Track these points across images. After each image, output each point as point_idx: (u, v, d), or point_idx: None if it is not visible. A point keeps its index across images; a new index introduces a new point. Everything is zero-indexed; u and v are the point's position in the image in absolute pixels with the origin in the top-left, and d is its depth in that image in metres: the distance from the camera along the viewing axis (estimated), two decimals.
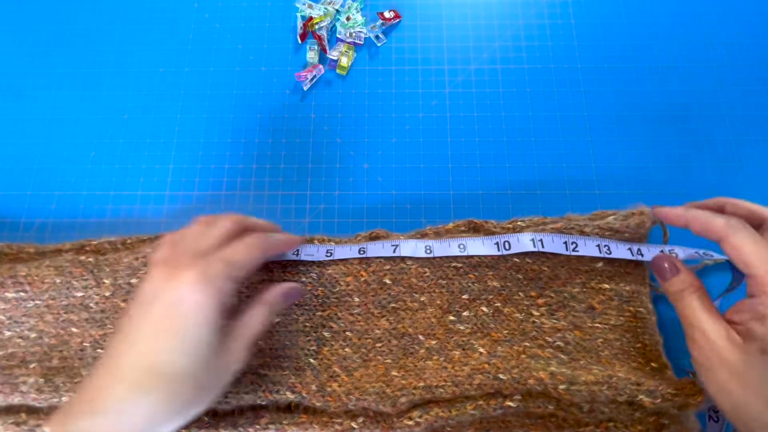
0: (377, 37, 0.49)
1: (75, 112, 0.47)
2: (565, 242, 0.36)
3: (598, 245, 0.36)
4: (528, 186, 0.43)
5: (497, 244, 0.37)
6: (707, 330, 0.27)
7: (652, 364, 0.34)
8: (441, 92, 0.47)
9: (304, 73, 0.47)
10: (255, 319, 0.28)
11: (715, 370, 0.27)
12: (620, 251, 0.36)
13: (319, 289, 0.37)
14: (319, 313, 0.37)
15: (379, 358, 0.35)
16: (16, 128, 0.47)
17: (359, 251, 0.37)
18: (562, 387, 0.32)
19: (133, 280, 0.37)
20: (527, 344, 0.35)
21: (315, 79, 0.47)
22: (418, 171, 0.44)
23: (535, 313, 0.36)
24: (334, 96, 0.47)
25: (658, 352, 0.35)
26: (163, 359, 0.23)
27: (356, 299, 0.37)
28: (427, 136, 0.45)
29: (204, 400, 0.26)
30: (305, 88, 0.47)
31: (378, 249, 0.37)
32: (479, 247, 0.37)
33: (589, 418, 0.33)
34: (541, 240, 0.36)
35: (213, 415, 0.34)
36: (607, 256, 0.36)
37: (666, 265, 0.31)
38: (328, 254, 0.37)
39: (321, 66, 0.47)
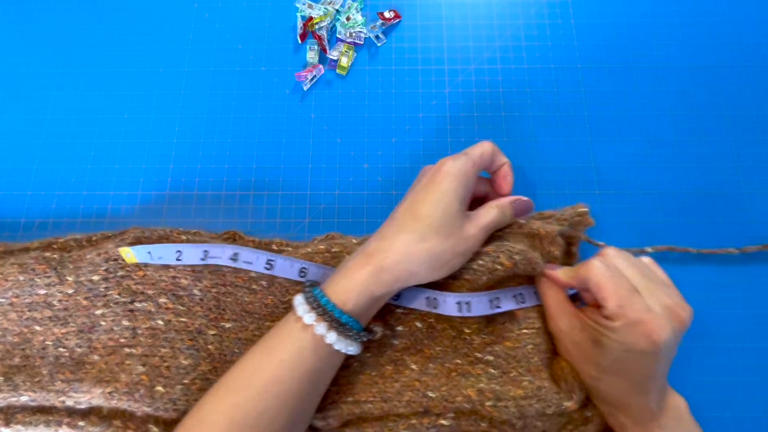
0: (377, 37, 0.49)
1: (75, 112, 0.47)
2: (490, 300, 0.36)
3: (515, 295, 0.36)
4: (528, 186, 0.43)
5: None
6: (558, 316, 0.34)
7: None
8: (441, 92, 0.47)
9: (304, 73, 0.47)
10: (487, 211, 0.35)
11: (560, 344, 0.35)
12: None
13: (269, 298, 0.37)
14: (268, 324, 0.36)
15: None
16: (16, 128, 0.47)
17: (299, 272, 0.36)
18: (488, 404, 0.32)
19: (95, 277, 0.36)
20: (458, 361, 0.35)
21: (315, 79, 0.47)
22: (418, 171, 0.44)
23: (467, 330, 0.36)
24: (334, 96, 0.47)
25: None
26: (422, 209, 0.32)
27: None
28: (427, 136, 0.45)
29: (444, 261, 0.32)
30: (305, 88, 0.47)
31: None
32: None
33: None
34: (468, 303, 0.35)
35: None
36: (522, 305, 0.36)
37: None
38: (268, 266, 0.36)
39: (321, 66, 0.47)
